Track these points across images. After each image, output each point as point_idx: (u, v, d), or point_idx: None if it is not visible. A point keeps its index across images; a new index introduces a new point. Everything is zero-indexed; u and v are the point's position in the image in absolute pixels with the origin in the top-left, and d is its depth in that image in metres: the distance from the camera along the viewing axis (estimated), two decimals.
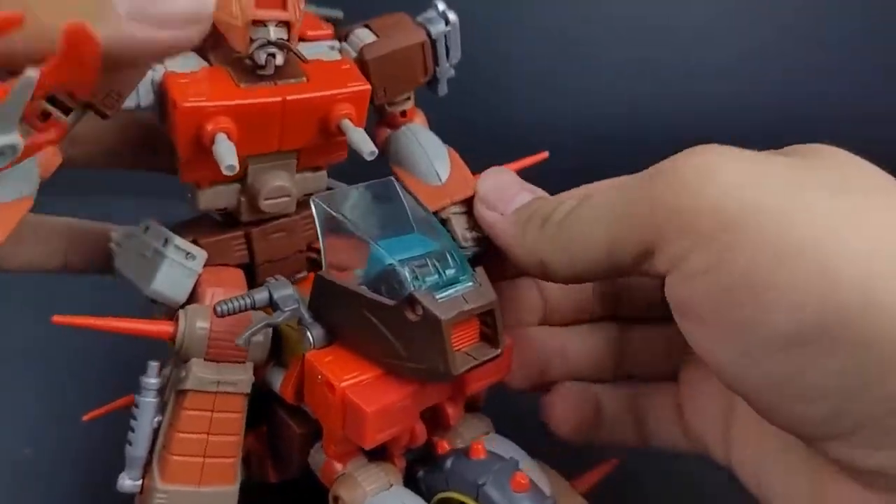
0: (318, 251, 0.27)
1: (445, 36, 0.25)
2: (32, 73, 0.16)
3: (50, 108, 0.18)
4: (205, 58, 0.23)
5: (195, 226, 0.25)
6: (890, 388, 0.16)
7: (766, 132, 0.23)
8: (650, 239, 0.19)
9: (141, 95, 0.22)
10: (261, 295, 0.22)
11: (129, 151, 0.26)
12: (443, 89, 0.27)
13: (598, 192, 0.22)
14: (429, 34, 0.25)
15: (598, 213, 0.21)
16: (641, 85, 0.48)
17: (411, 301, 0.20)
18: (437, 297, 0.20)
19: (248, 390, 0.23)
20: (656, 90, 0.48)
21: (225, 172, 0.20)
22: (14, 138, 0.16)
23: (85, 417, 0.30)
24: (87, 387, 0.36)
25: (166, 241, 0.24)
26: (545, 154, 0.30)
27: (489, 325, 0.21)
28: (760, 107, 0.50)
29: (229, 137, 0.21)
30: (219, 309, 0.21)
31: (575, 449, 0.27)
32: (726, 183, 0.18)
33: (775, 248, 0.17)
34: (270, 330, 0.23)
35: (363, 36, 0.25)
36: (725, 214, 0.18)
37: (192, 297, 0.24)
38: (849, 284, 0.16)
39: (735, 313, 0.18)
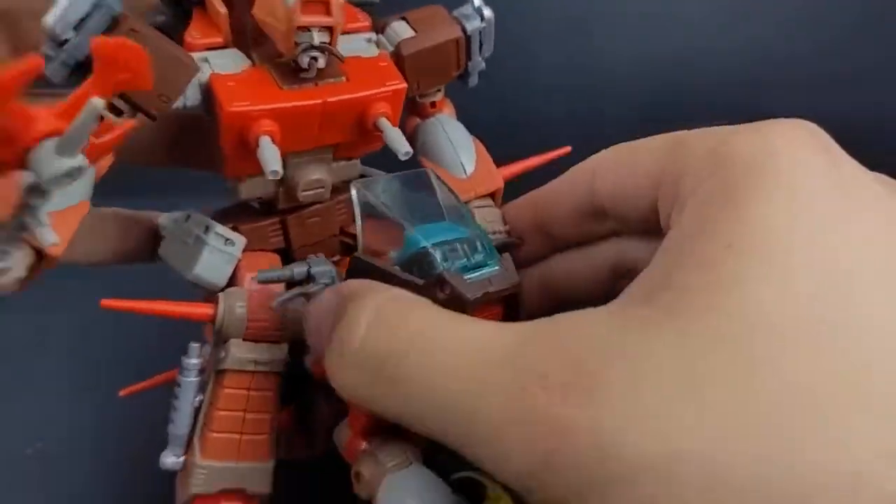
0: (350, 235, 0.28)
1: (480, 32, 0.27)
2: (97, 102, 0.17)
3: (104, 111, 0.19)
4: (247, 55, 0.24)
5: (234, 213, 0.26)
6: None
7: None
8: None
9: (188, 97, 0.23)
10: (300, 268, 0.23)
11: (165, 149, 0.27)
12: (473, 81, 0.28)
13: None
14: (464, 30, 0.26)
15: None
16: (669, 75, 0.49)
17: (441, 281, 0.21)
18: (465, 278, 0.21)
19: (283, 369, 0.24)
20: (684, 81, 0.49)
21: (269, 178, 0.22)
22: (80, 160, 0.17)
23: (122, 392, 0.32)
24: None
25: (207, 229, 0.25)
26: (568, 149, 0.31)
27: (512, 307, 0.22)
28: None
29: (273, 140, 0.22)
30: (261, 276, 0.22)
31: None
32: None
33: None
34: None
35: (400, 30, 0.26)
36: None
37: (232, 282, 0.25)
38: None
39: None
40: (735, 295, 0.16)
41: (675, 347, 0.16)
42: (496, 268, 0.22)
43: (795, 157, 0.17)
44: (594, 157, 0.24)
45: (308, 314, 0.22)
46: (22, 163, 0.16)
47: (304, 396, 0.26)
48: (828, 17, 0.50)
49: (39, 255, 0.20)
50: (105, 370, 0.39)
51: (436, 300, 0.21)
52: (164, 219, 0.27)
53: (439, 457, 0.24)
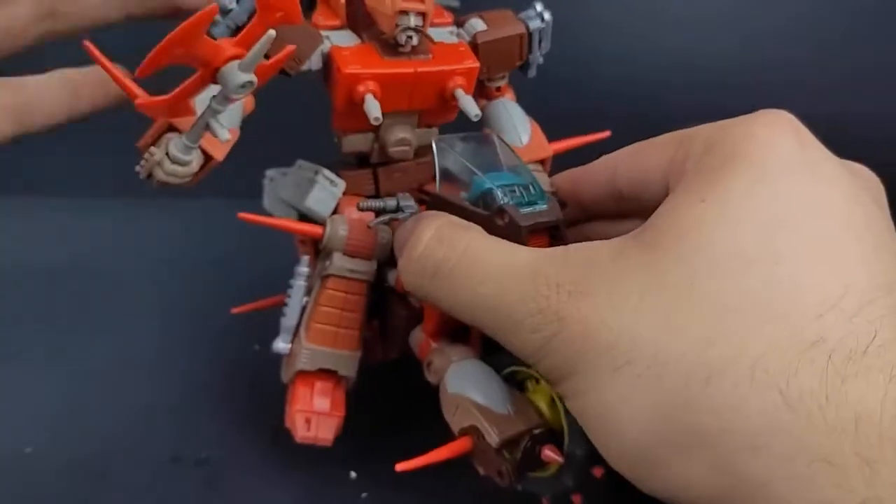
0: (427, 193, 0.34)
1: (540, 31, 0.33)
2: (272, 33, 0.22)
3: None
4: (358, 35, 0.31)
5: (337, 165, 0.33)
6: None
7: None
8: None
9: (313, 62, 0.30)
10: (391, 201, 0.30)
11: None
12: (532, 73, 0.34)
13: None
14: (527, 28, 0.33)
15: None
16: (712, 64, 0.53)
17: (501, 211, 0.27)
18: (521, 211, 0.27)
19: (371, 279, 0.31)
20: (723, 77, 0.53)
21: (372, 123, 0.28)
22: (252, 76, 0.23)
23: (233, 311, 0.39)
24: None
25: (317, 172, 0.32)
26: (608, 133, 0.37)
27: (556, 237, 0.28)
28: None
29: (375, 97, 0.29)
30: (362, 204, 0.29)
31: None
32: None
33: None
34: (391, 236, 0.31)
35: (476, 25, 0.32)
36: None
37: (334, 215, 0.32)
38: None
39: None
40: (693, 234, 0.22)
41: (644, 268, 0.22)
42: (545, 206, 0.28)
43: (769, 140, 0.23)
44: (616, 152, 0.30)
45: (396, 233, 0.29)
46: (214, 79, 0.23)
47: (385, 309, 0.33)
48: (829, 18, 0.54)
49: (206, 159, 0.27)
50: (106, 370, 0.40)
51: (497, 227, 0.27)
52: (270, 171, 0.35)
53: (492, 356, 0.31)
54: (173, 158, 0.26)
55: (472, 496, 0.31)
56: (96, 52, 0.24)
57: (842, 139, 0.25)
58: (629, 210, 0.30)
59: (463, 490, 0.32)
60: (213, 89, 0.23)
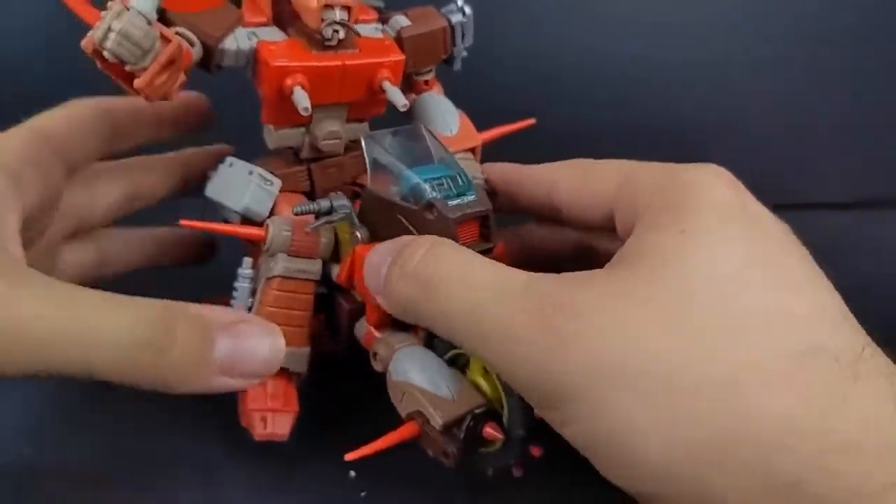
0: (359, 185, 0.35)
1: (462, 25, 0.34)
2: None
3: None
4: (284, 31, 0.31)
5: (269, 162, 0.33)
6: None
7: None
8: None
9: (239, 56, 0.30)
10: (325, 202, 0.30)
11: None
12: (457, 66, 0.36)
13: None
14: (449, 22, 0.34)
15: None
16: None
17: (430, 206, 0.28)
18: (449, 203, 0.29)
19: (318, 278, 0.32)
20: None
21: (301, 114, 0.29)
22: None
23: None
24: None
25: (251, 172, 0.32)
26: (532, 121, 0.38)
27: (485, 226, 0.29)
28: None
29: (303, 88, 0.30)
30: (297, 209, 0.30)
31: None
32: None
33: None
34: (333, 234, 0.32)
35: (400, 21, 0.33)
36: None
37: (271, 215, 0.32)
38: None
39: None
40: (685, 259, 0.23)
41: (642, 291, 0.23)
42: (473, 196, 0.29)
43: (720, 189, 0.25)
44: (553, 166, 0.32)
45: (369, 258, 0.28)
46: None
47: (330, 304, 0.34)
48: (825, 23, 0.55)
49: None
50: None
51: (427, 221, 0.28)
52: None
53: (434, 341, 0.32)
54: (129, 19, 0.25)
55: (470, 494, 0.32)
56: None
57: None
58: (564, 220, 0.32)
59: (462, 489, 0.32)
60: None
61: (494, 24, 0.37)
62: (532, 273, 0.25)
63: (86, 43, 0.25)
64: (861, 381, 0.21)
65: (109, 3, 0.26)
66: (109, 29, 0.25)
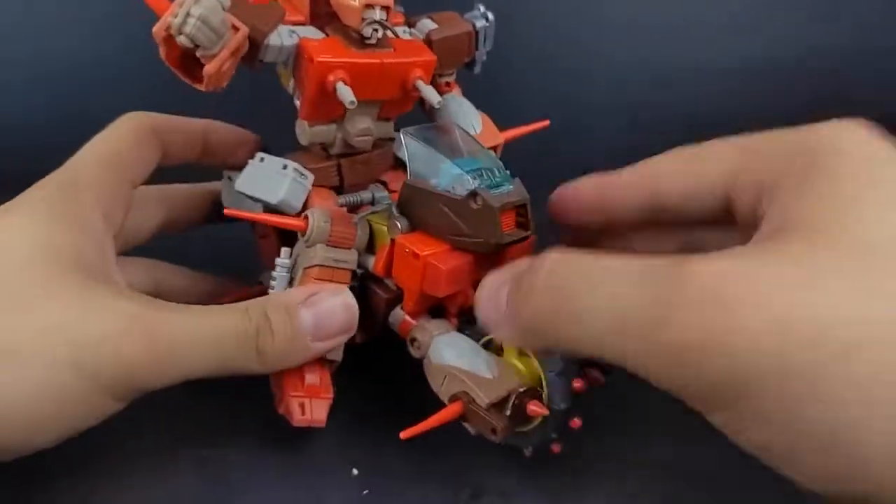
0: (384, 183, 0.36)
1: (485, 29, 0.36)
2: None
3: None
4: (322, 30, 0.32)
5: (300, 157, 0.34)
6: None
7: None
8: None
9: (283, 53, 0.31)
10: (367, 194, 0.32)
11: None
12: (478, 69, 0.37)
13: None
14: (474, 27, 0.36)
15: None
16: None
17: (474, 194, 0.30)
18: (491, 193, 0.30)
19: (355, 267, 0.32)
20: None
21: (348, 107, 0.30)
22: None
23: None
24: None
25: (285, 166, 0.33)
26: (547, 122, 0.40)
27: (523, 215, 0.31)
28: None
29: (346, 83, 0.30)
30: (342, 200, 0.31)
31: None
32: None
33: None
34: (367, 225, 0.33)
35: (427, 24, 0.35)
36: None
37: (304, 207, 0.33)
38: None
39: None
40: (837, 228, 0.20)
41: (801, 265, 0.19)
42: (511, 187, 0.31)
43: (861, 145, 0.22)
44: (650, 163, 0.29)
45: (480, 291, 0.28)
46: None
47: (363, 293, 0.34)
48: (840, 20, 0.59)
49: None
50: None
51: (471, 210, 0.30)
52: (227, 172, 0.36)
53: (467, 330, 0.33)
54: (208, 4, 0.26)
55: (472, 488, 0.32)
56: None
57: None
58: (664, 221, 0.29)
59: (464, 485, 0.33)
60: None
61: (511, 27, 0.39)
62: (672, 255, 0.22)
63: (158, 28, 0.26)
64: None
65: None
66: (189, 14, 0.26)
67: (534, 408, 0.29)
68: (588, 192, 0.32)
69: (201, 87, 0.27)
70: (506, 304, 0.25)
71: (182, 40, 0.26)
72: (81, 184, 0.30)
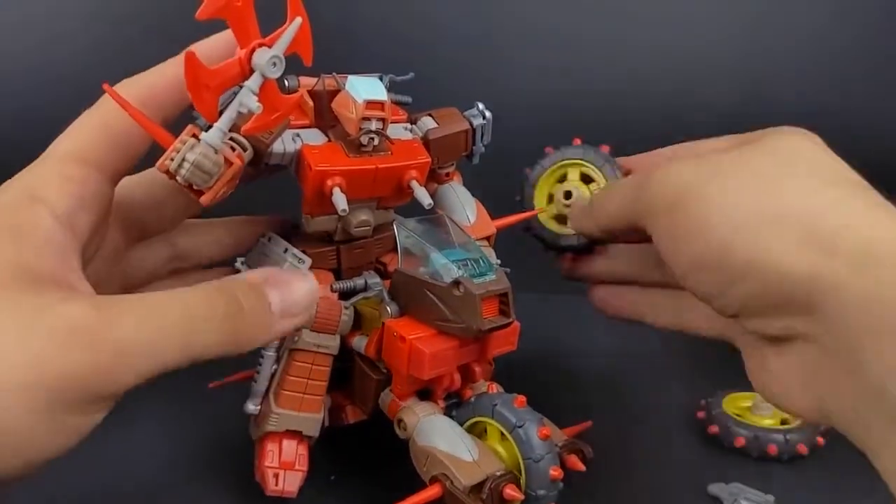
0: (382, 263, 0.38)
1: (482, 127, 0.38)
2: (300, 19, 0.28)
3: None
4: (325, 134, 0.35)
5: (302, 241, 0.36)
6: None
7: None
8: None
9: (285, 157, 0.33)
10: (360, 280, 0.34)
11: None
12: (476, 160, 0.40)
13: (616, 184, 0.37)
14: (471, 124, 0.38)
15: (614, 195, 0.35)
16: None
17: (457, 283, 0.32)
18: (474, 281, 0.32)
19: (336, 353, 0.34)
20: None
21: (340, 214, 0.32)
22: (280, 53, 0.27)
23: (211, 385, 0.41)
24: None
25: (286, 249, 0.35)
26: (536, 211, 0.42)
27: (504, 303, 0.33)
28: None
29: (341, 189, 0.32)
30: (335, 286, 0.33)
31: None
32: (677, 182, 0.31)
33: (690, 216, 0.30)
34: (353, 311, 0.35)
35: (427, 122, 0.37)
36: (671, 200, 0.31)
37: None
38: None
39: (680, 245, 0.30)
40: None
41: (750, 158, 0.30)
42: (493, 276, 0.33)
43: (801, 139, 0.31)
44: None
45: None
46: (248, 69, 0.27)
47: (353, 375, 0.36)
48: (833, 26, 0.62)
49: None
50: None
51: (453, 296, 0.32)
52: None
53: (454, 412, 0.34)
54: (202, 151, 0.27)
55: None
56: (120, 98, 0.28)
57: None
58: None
59: None
60: None
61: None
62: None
63: (160, 165, 0.28)
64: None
65: (182, 136, 0.28)
66: (184, 160, 0.27)
67: (510, 492, 0.30)
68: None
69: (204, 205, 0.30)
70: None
71: (179, 180, 0.28)
72: (37, 187, 0.29)
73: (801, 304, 0.26)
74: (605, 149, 0.42)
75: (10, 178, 0.29)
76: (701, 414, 0.44)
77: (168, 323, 0.26)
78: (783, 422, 0.42)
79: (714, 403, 0.44)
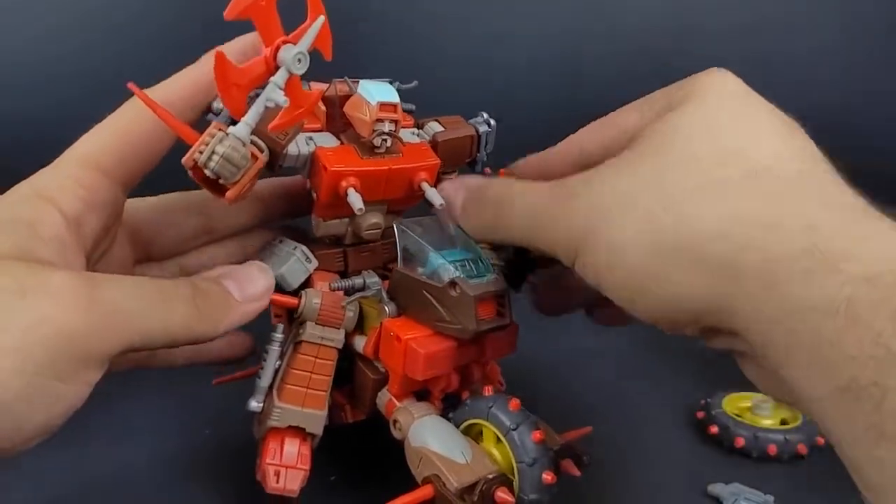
0: (389, 269, 0.39)
1: (486, 134, 0.39)
2: (323, 18, 0.29)
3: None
4: (337, 137, 0.35)
5: (312, 244, 0.37)
6: None
7: None
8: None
9: (300, 160, 0.34)
10: (358, 280, 0.34)
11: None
12: (479, 168, 0.40)
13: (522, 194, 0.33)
14: (476, 131, 0.38)
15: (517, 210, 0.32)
16: None
17: (454, 284, 0.32)
18: (470, 282, 0.32)
19: (340, 346, 0.35)
20: None
21: (357, 213, 0.32)
22: (305, 50, 0.28)
23: (214, 382, 0.42)
24: None
25: (296, 248, 0.36)
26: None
27: (502, 304, 0.33)
28: None
29: (356, 190, 0.33)
30: (334, 284, 0.33)
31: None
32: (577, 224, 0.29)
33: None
34: (358, 306, 0.35)
35: (434, 127, 0.38)
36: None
37: (306, 286, 0.36)
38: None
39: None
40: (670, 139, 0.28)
41: (637, 161, 0.29)
42: (492, 276, 0.33)
43: (720, 79, 0.29)
44: (578, 132, 0.35)
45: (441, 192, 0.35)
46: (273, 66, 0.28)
47: (353, 374, 0.36)
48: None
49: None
50: None
51: (450, 297, 0.32)
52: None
53: (449, 413, 0.35)
54: (231, 144, 0.28)
55: None
56: (147, 97, 0.29)
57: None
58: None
59: None
60: None
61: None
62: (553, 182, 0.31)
63: (187, 159, 0.29)
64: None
65: (210, 130, 0.29)
66: (213, 152, 0.28)
67: (502, 495, 0.30)
68: (531, 168, 0.37)
69: (225, 202, 0.30)
70: (461, 208, 0.34)
71: (208, 173, 0.29)
72: (49, 188, 0.30)
73: (724, 328, 0.26)
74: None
75: (17, 176, 0.31)
76: (701, 414, 0.44)
77: (147, 294, 0.29)
78: (783, 422, 0.42)
79: (714, 403, 0.44)
